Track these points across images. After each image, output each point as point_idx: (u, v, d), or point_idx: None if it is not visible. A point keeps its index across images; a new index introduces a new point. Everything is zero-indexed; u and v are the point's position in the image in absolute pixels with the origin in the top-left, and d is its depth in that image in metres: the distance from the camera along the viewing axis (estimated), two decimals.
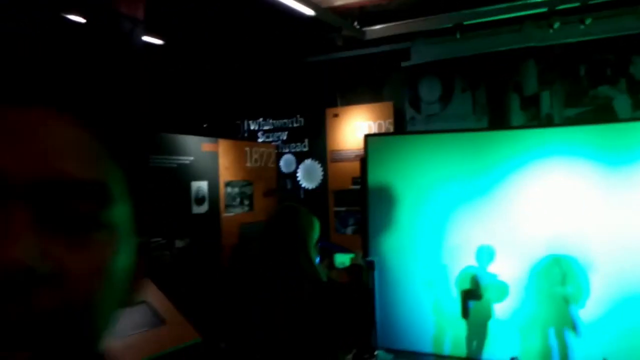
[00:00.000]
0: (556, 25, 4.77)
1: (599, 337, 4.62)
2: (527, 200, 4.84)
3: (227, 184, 6.04)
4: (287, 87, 7.26)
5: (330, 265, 2.88)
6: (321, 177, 7.21)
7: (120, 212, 0.43)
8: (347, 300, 2.38)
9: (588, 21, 4.69)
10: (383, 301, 5.44)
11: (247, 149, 6.36)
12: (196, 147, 5.64)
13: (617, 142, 4.61)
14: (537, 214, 4.79)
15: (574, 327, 4.72)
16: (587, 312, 4.67)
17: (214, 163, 5.87)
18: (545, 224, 4.76)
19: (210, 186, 5.76)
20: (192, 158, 5.50)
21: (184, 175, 5.43)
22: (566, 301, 4.75)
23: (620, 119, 5.07)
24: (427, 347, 5.28)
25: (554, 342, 4.79)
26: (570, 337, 4.73)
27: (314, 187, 7.26)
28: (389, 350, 5.29)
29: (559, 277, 4.76)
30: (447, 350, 5.24)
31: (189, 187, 5.48)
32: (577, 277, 4.70)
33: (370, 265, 5.33)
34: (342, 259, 2.84)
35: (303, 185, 7.30)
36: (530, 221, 4.82)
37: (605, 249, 4.55)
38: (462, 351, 5.16)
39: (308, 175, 7.30)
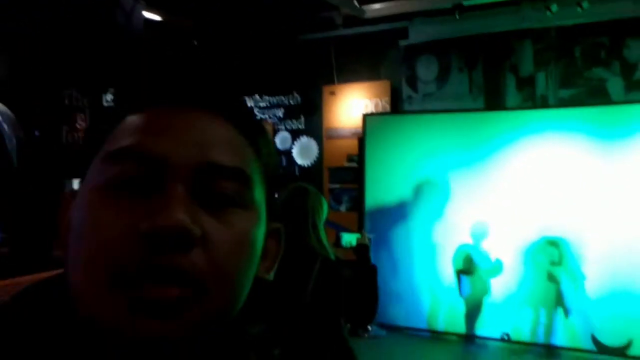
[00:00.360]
0: (554, 8, 4.82)
1: (587, 317, 4.80)
2: (523, 180, 4.96)
3: None
4: (283, 64, 7.25)
5: (337, 244, 2.97)
6: (316, 155, 7.27)
7: (258, 195, 0.53)
8: (356, 279, 2.47)
9: (586, 5, 4.74)
10: (378, 278, 5.56)
11: None
12: None
13: (610, 124, 4.72)
14: (532, 194, 4.91)
15: (564, 307, 4.89)
16: (578, 293, 4.85)
17: None
18: (539, 204, 4.89)
19: None
20: None
21: None
22: (558, 281, 4.90)
23: (613, 101, 5.17)
24: (421, 323, 5.44)
25: (543, 320, 4.97)
26: (560, 316, 4.90)
27: (309, 164, 7.32)
28: (382, 325, 5.45)
29: (554, 257, 4.91)
30: (440, 326, 5.40)
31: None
32: (571, 258, 4.85)
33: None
34: (349, 239, 2.91)
35: (298, 163, 7.36)
36: (525, 201, 4.94)
37: (598, 230, 4.69)
38: (456, 327, 5.33)
39: (303, 153, 7.36)
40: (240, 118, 0.54)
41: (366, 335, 5.35)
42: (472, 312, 5.24)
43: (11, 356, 0.49)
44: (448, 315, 5.34)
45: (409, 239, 5.45)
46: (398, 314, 5.48)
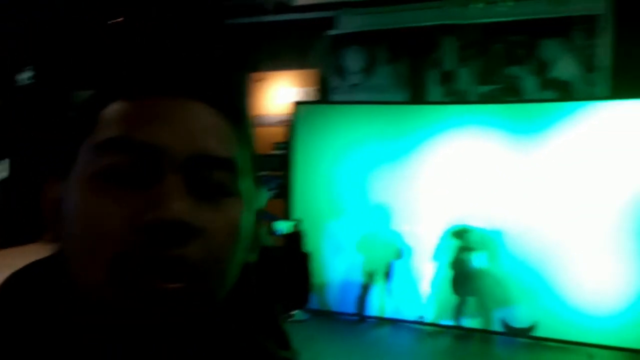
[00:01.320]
0: (480, 5, 5.03)
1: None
2: (442, 171, 5.19)
3: None
4: (211, 50, 7.08)
5: (270, 232, 2.99)
6: None
7: (247, 183, 0.53)
8: (290, 265, 2.49)
9: (510, 3, 4.99)
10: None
11: None
12: None
13: (524, 120, 5.03)
14: (450, 184, 5.15)
15: (474, 292, 5.18)
16: (494, 274, 5.15)
17: None
18: (456, 193, 5.15)
19: None
20: None
21: None
22: (469, 267, 5.18)
23: (527, 99, 5.50)
24: (345, 307, 5.57)
25: (456, 303, 5.24)
26: (471, 299, 5.19)
27: None
28: (306, 310, 5.52)
29: (466, 244, 5.17)
30: (363, 310, 5.55)
31: None
32: (482, 245, 5.14)
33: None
34: (283, 226, 2.96)
35: None
36: (442, 190, 5.18)
37: (512, 219, 5.01)
38: (378, 311, 5.50)
39: None
40: (226, 104, 0.54)
41: (289, 319, 5.39)
42: (395, 296, 5.44)
43: (11, 347, 0.49)
44: (372, 298, 5.50)
45: (335, 224, 5.54)
46: (322, 298, 5.58)
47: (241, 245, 0.52)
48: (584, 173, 4.79)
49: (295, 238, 2.84)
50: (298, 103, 5.73)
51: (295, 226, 2.98)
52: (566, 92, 5.43)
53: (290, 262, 2.59)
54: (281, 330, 0.73)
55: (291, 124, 5.69)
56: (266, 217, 3.29)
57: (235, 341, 0.58)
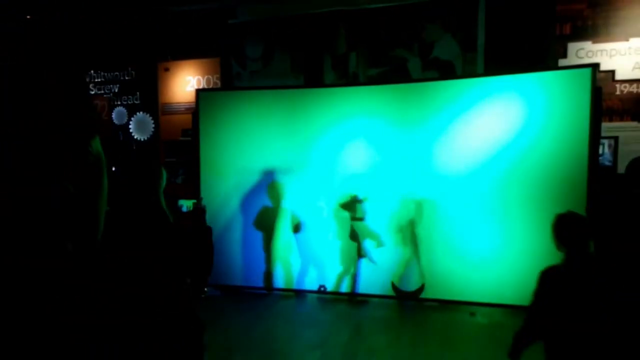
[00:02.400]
0: None
1: (388, 267, 5.56)
2: (340, 149, 5.57)
3: None
4: (118, 40, 7.16)
5: (175, 210, 3.25)
6: (152, 129, 7.34)
7: (98, 144, 0.69)
8: (194, 240, 2.73)
9: None
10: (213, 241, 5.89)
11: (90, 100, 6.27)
12: None
13: (409, 99, 5.43)
14: (347, 160, 5.54)
15: (367, 258, 5.61)
16: (379, 246, 5.59)
17: None
18: (351, 169, 5.55)
19: None
20: None
21: None
22: (360, 236, 5.60)
23: (412, 79, 5.93)
24: (253, 282, 5.90)
25: (352, 271, 5.67)
26: (364, 267, 5.62)
27: (145, 138, 7.37)
28: (217, 286, 5.82)
29: (358, 213, 5.59)
30: (272, 283, 5.89)
31: None
32: (374, 213, 5.56)
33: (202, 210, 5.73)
34: (186, 203, 3.23)
35: (135, 137, 7.37)
36: (340, 166, 5.57)
37: (396, 190, 5.46)
38: (284, 284, 5.87)
39: (140, 127, 7.38)
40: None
41: (202, 295, 5.68)
42: (299, 268, 5.81)
43: None
44: (279, 272, 5.86)
45: (240, 203, 5.84)
46: (233, 275, 5.89)
47: (104, 199, 0.66)
48: (466, 142, 5.25)
49: (196, 214, 3.10)
50: (200, 90, 5.95)
51: (196, 204, 3.27)
52: (448, 71, 5.90)
53: (195, 235, 2.84)
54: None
55: (194, 111, 5.91)
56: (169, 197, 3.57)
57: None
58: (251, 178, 5.79)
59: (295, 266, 5.81)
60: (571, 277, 2.27)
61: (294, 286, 5.82)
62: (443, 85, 5.42)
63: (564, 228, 2.38)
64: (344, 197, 5.57)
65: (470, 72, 5.83)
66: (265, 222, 5.80)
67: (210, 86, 6.59)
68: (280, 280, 5.85)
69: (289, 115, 5.66)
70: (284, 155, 5.68)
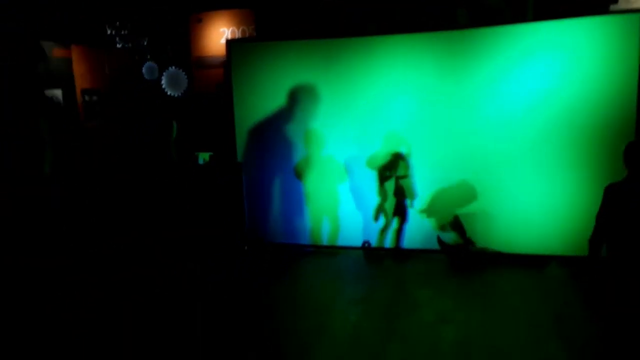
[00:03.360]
0: None
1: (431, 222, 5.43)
2: (383, 102, 5.37)
3: (85, 92, 5.85)
4: None
5: (194, 162, 3.25)
6: (186, 85, 7.20)
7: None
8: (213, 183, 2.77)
9: None
10: (252, 199, 5.82)
11: (104, 55, 6.13)
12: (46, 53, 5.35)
13: (455, 49, 5.16)
14: (392, 115, 5.36)
15: (406, 215, 5.47)
16: (422, 201, 5.44)
17: (68, 70, 5.62)
18: (389, 123, 5.36)
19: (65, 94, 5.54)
20: (42, 63, 5.21)
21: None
22: (404, 192, 5.44)
23: (459, 25, 5.62)
24: (297, 238, 5.81)
25: (394, 227, 5.54)
26: (411, 222, 5.49)
27: (179, 94, 7.24)
28: (257, 242, 5.77)
29: (399, 171, 5.42)
30: (318, 240, 5.80)
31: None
32: (415, 170, 5.39)
33: (238, 166, 5.64)
34: (203, 156, 3.22)
35: (168, 93, 7.24)
36: (385, 121, 5.39)
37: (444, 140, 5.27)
38: (330, 240, 5.78)
39: (173, 83, 7.24)
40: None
41: (244, 249, 5.65)
42: (334, 224, 5.71)
43: None
44: (321, 228, 5.77)
45: (276, 159, 5.71)
46: (275, 232, 5.83)
47: None
48: (512, 90, 5.02)
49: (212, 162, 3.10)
50: (231, 41, 5.73)
51: (212, 156, 3.26)
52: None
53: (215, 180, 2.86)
54: None
55: (226, 64, 5.71)
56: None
57: None
58: (289, 131, 5.63)
59: (339, 222, 5.69)
60: (630, 191, 2.90)
61: (338, 242, 5.72)
62: (489, 32, 5.10)
63: (631, 151, 2.93)
64: (386, 154, 5.40)
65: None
66: (305, 173, 5.66)
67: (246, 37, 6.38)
68: (324, 236, 5.74)
69: (327, 66, 5.43)
70: (323, 109, 5.50)
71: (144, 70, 7.25)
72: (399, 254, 5.52)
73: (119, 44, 7.33)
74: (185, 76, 7.19)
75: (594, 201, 4.72)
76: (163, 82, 7.26)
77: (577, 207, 4.96)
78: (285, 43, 5.53)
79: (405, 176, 5.38)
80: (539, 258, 5.15)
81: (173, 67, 7.21)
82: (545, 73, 4.91)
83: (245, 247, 5.63)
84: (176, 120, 4.31)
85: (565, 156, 4.97)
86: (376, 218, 5.53)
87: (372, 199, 5.55)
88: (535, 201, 5.09)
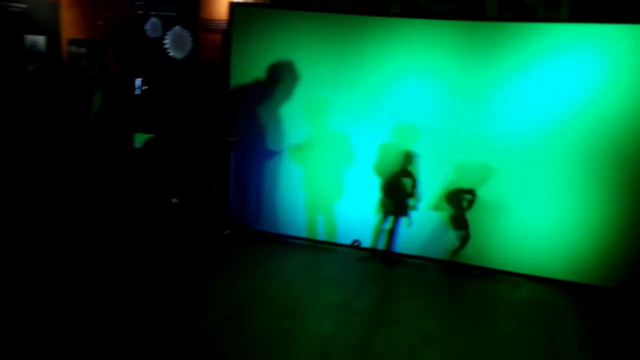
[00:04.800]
0: None
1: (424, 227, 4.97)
2: (382, 90, 4.88)
3: (72, 42, 5.38)
4: None
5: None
6: (190, 47, 6.74)
7: None
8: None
9: None
10: (239, 181, 5.40)
11: (99, 4, 5.65)
12: None
13: (480, 41, 4.65)
14: (404, 107, 4.87)
15: (405, 216, 5.01)
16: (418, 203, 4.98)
17: (54, 15, 5.15)
18: (389, 115, 4.86)
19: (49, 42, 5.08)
20: (24, 6, 4.74)
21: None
22: (401, 192, 4.97)
23: (487, 16, 5.09)
24: (286, 229, 5.40)
25: (387, 227, 5.10)
26: (402, 225, 5.03)
27: (182, 57, 6.79)
28: (242, 229, 5.38)
29: (398, 168, 4.96)
30: (309, 232, 5.38)
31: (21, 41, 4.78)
32: (414, 170, 4.93)
33: (229, 146, 5.22)
34: (141, 138, 2.92)
35: (171, 54, 6.79)
36: (396, 114, 4.91)
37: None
38: (311, 234, 5.35)
39: (176, 44, 6.78)
40: None
41: (224, 234, 5.28)
42: (325, 218, 5.27)
43: None
44: (315, 220, 5.34)
45: (272, 139, 5.27)
46: (262, 218, 5.42)
47: None
48: (533, 94, 4.53)
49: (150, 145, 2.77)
50: (235, 5, 5.22)
51: (151, 139, 2.94)
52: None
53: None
54: None
55: (226, 29, 5.23)
56: None
57: None
58: (286, 110, 5.16)
59: (333, 215, 5.25)
60: None
61: (324, 237, 5.30)
62: (518, 27, 4.55)
63: None
64: (393, 148, 4.93)
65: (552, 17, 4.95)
66: (302, 158, 5.22)
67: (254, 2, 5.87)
68: (312, 228, 5.31)
69: (339, 44, 4.93)
70: (325, 90, 5.02)
71: (147, 26, 6.79)
72: (391, 259, 5.09)
73: None
74: (191, 38, 6.72)
75: (606, 227, 4.43)
76: (166, 41, 6.81)
77: (587, 232, 4.53)
78: (296, 13, 5.03)
79: (410, 174, 4.91)
80: (540, 280, 4.75)
81: (178, 27, 6.74)
82: (575, 81, 4.40)
83: (226, 232, 5.23)
84: (101, 90, 3.90)
85: (583, 177, 4.49)
86: (379, 217, 5.08)
87: (373, 194, 5.09)
88: (541, 220, 4.67)
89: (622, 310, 4.40)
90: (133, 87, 6.38)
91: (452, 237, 4.92)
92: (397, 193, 4.97)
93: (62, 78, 4.51)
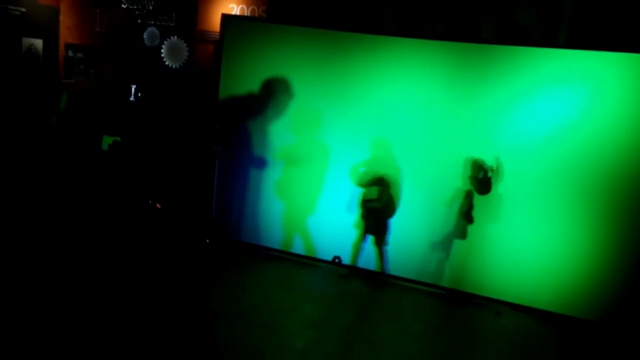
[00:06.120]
0: None
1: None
2: (370, 108, 4.87)
3: (69, 47, 5.42)
4: None
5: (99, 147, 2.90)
6: (186, 57, 6.76)
7: None
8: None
9: None
10: (222, 191, 5.37)
11: (98, 11, 5.70)
12: None
13: (472, 63, 4.64)
14: (386, 126, 4.84)
15: (383, 237, 4.95)
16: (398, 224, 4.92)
17: (53, 20, 5.20)
18: (390, 136, 4.85)
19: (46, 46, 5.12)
20: (24, 10, 4.80)
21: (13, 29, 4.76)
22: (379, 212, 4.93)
23: (482, 39, 5.09)
24: (267, 241, 5.34)
25: (368, 247, 5.05)
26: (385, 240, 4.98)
27: (178, 66, 6.80)
28: (223, 239, 5.32)
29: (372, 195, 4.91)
30: (287, 246, 5.33)
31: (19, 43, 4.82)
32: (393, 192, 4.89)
33: (215, 153, 5.20)
34: (108, 140, 2.90)
35: (167, 63, 6.81)
36: (366, 123, 4.90)
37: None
38: (295, 248, 5.30)
39: (173, 53, 6.80)
40: None
41: (205, 242, 5.23)
42: (309, 233, 5.22)
43: None
44: (296, 235, 5.29)
45: (257, 150, 5.24)
46: (244, 230, 5.37)
47: None
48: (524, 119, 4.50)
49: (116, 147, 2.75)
50: (227, 16, 5.23)
51: (117, 142, 2.94)
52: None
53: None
54: None
55: (218, 40, 5.24)
56: None
57: None
58: (273, 123, 5.14)
59: (312, 230, 5.20)
60: None
61: (309, 253, 5.24)
62: (513, 51, 4.55)
63: None
64: (368, 174, 4.90)
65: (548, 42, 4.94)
66: (286, 170, 5.18)
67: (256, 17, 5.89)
68: (298, 243, 5.26)
69: (329, 61, 4.93)
70: (313, 104, 5.00)
71: (145, 35, 6.83)
72: (373, 278, 5.02)
73: (124, 3, 6.91)
74: (187, 48, 6.75)
75: (594, 259, 4.36)
76: (163, 50, 6.84)
77: (575, 263, 4.46)
78: (288, 28, 5.04)
79: (379, 202, 4.86)
80: (525, 309, 4.65)
81: (175, 37, 6.78)
82: (566, 106, 4.37)
83: (207, 241, 5.18)
84: (67, 90, 3.87)
85: (573, 203, 4.44)
86: (358, 235, 5.03)
87: (353, 211, 5.04)
88: (531, 248, 4.58)
89: (603, 343, 4.33)
90: (129, 93, 6.40)
91: (435, 259, 4.85)
92: (378, 211, 4.92)
93: (25, 76, 4.49)
